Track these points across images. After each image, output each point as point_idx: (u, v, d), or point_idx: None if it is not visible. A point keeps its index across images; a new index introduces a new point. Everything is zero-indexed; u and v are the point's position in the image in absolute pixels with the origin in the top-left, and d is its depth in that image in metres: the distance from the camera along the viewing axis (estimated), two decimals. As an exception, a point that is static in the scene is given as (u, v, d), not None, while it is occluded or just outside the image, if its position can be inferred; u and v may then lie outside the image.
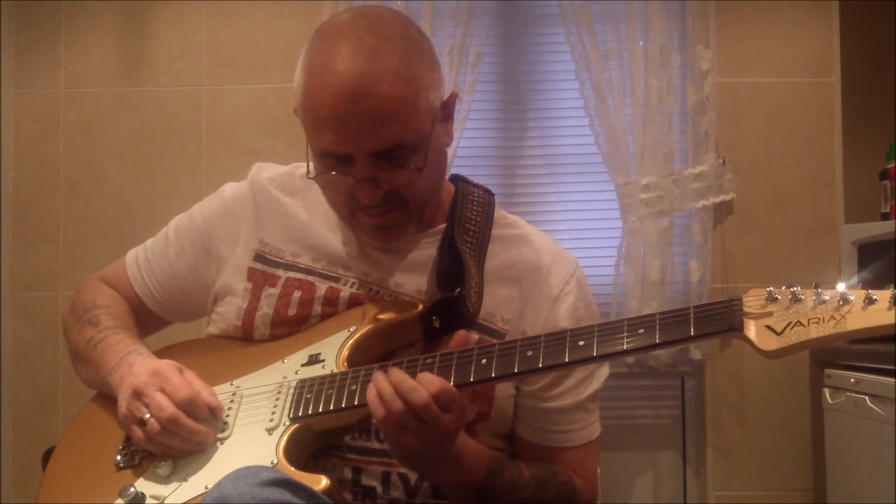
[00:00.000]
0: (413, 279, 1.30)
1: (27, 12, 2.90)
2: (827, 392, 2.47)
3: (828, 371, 2.49)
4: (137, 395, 1.18)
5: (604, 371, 1.35)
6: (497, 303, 1.29)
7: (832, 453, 2.50)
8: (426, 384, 1.06)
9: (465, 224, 1.32)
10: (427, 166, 1.21)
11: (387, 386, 1.07)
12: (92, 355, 1.32)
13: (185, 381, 1.19)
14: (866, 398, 2.26)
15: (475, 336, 1.25)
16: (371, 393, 1.08)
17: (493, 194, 1.40)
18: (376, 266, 1.31)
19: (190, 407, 1.16)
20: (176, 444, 1.16)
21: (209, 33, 2.91)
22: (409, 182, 1.21)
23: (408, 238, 1.30)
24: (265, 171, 1.42)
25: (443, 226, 1.33)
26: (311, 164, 1.26)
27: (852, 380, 2.35)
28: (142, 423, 1.16)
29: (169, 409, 1.15)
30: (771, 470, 2.82)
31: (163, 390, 1.17)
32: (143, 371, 1.20)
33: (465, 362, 1.11)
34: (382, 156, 1.18)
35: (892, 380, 2.15)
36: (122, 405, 1.20)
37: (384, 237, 1.27)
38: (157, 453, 1.18)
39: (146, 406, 1.16)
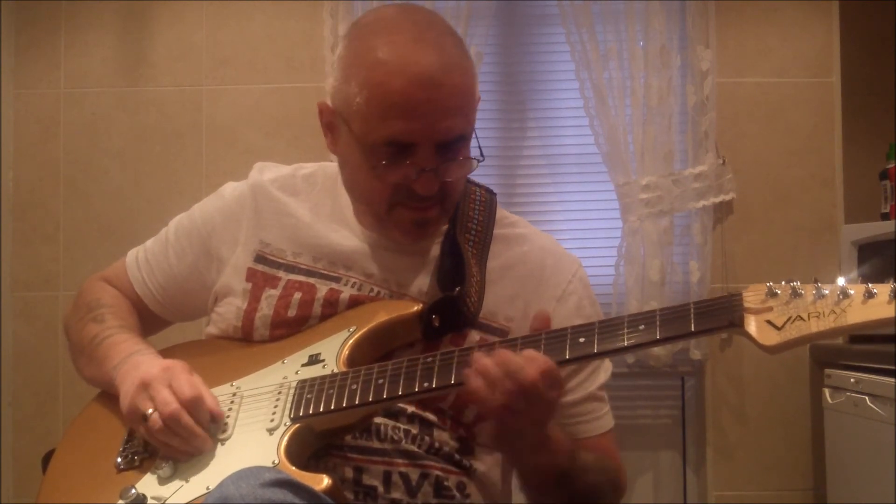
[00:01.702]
0: (415, 279, 1.30)
1: (27, 12, 2.91)
2: (827, 392, 2.48)
3: (828, 371, 2.49)
4: (145, 386, 1.17)
5: (607, 364, 1.35)
6: (499, 301, 1.29)
7: (832, 453, 2.50)
8: (531, 362, 1.05)
9: (468, 223, 1.32)
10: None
11: (492, 365, 1.06)
12: (95, 352, 1.32)
13: (192, 381, 1.19)
14: (866, 398, 2.26)
15: (476, 336, 1.25)
16: (474, 373, 1.07)
17: (494, 194, 1.40)
18: (378, 266, 1.31)
19: (193, 406, 1.16)
20: (175, 443, 1.15)
21: (209, 33, 2.91)
22: (464, 174, 1.24)
23: (434, 236, 1.31)
24: (267, 172, 1.41)
25: (445, 226, 1.33)
26: (362, 155, 1.23)
27: (852, 380, 2.35)
28: (144, 418, 1.15)
29: (173, 404, 1.14)
30: (771, 470, 2.83)
31: (170, 387, 1.17)
32: (154, 366, 1.21)
33: (466, 361, 1.10)
34: (443, 147, 1.19)
35: (892, 380, 2.15)
36: (128, 397, 1.19)
37: (419, 233, 1.27)
38: (159, 450, 1.18)
39: (151, 399, 1.16)
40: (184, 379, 1.18)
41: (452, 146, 1.21)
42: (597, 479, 1.23)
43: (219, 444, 1.17)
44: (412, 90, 1.15)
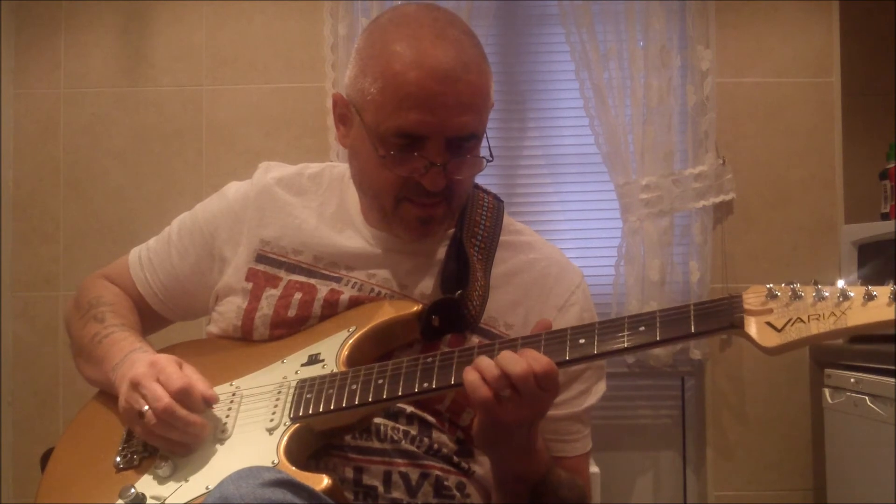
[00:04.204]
0: (418, 281, 1.30)
1: (27, 12, 2.91)
2: (827, 392, 2.48)
3: (828, 371, 2.49)
4: (135, 385, 1.17)
5: (601, 387, 1.35)
6: (501, 307, 1.29)
7: (832, 453, 2.50)
8: (524, 355, 1.06)
9: (475, 228, 1.33)
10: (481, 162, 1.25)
11: (485, 358, 1.08)
12: (96, 351, 1.32)
13: (180, 372, 1.19)
14: (866, 398, 2.26)
15: (476, 339, 1.25)
16: (470, 368, 1.08)
17: (502, 201, 1.41)
18: (382, 267, 1.31)
19: (184, 396, 1.15)
20: (174, 436, 1.15)
21: (209, 33, 2.91)
22: (473, 173, 1.25)
23: (439, 237, 1.31)
24: (272, 171, 1.41)
25: (451, 230, 1.33)
26: (372, 146, 1.23)
27: (852, 380, 2.35)
28: (140, 415, 1.15)
29: (164, 399, 1.14)
30: (771, 470, 2.83)
31: (159, 381, 1.16)
32: (143, 363, 1.20)
33: (466, 361, 1.11)
34: (454, 143, 1.20)
35: (892, 380, 2.15)
36: (123, 400, 1.19)
37: (423, 231, 1.27)
38: (159, 448, 1.18)
39: (143, 397, 1.16)
40: (171, 371, 1.18)
41: (463, 144, 1.21)
42: (567, 496, 1.24)
43: (218, 444, 1.17)
44: (428, 83, 1.16)
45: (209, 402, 1.19)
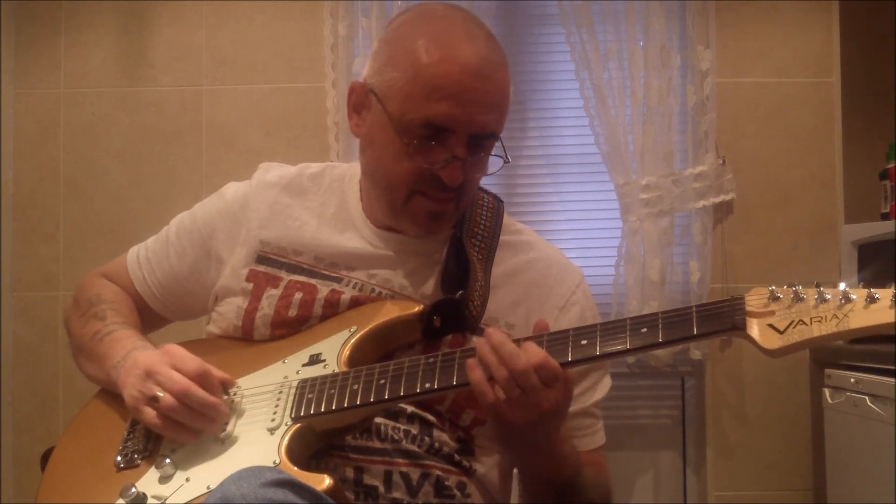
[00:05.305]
0: (418, 281, 1.30)
1: (27, 12, 2.91)
2: (827, 392, 2.48)
3: (828, 371, 2.49)
4: (149, 373, 1.17)
5: (607, 381, 1.36)
6: (501, 308, 1.29)
7: (832, 453, 2.50)
8: (527, 353, 1.07)
9: (475, 228, 1.33)
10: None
11: (490, 353, 1.08)
12: (97, 347, 1.32)
13: (194, 357, 1.19)
14: (866, 398, 2.26)
15: (477, 340, 1.25)
16: (474, 364, 1.08)
17: (502, 202, 1.41)
18: (382, 268, 1.31)
19: (202, 378, 1.16)
20: (189, 419, 1.15)
21: (209, 33, 2.91)
22: (488, 172, 1.27)
23: (439, 237, 1.31)
24: (272, 172, 1.42)
25: (451, 231, 1.33)
26: (395, 135, 1.23)
27: (852, 380, 2.35)
28: (154, 399, 1.15)
29: (181, 381, 1.14)
30: (771, 470, 2.83)
31: (174, 367, 1.17)
32: (153, 354, 1.21)
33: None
34: (475, 140, 1.21)
35: (892, 380, 2.15)
36: (133, 389, 1.18)
37: (431, 226, 1.28)
38: (167, 437, 1.17)
39: (158, 384, 1.16)
40: (185, 356, 1.19)
41: (483, 141, 1.23)
42: (594, 497, 1.24)
43: (219, 444, 1.17)
44: (461, 77, 1.17)
45: (226, 385, 1.20)
